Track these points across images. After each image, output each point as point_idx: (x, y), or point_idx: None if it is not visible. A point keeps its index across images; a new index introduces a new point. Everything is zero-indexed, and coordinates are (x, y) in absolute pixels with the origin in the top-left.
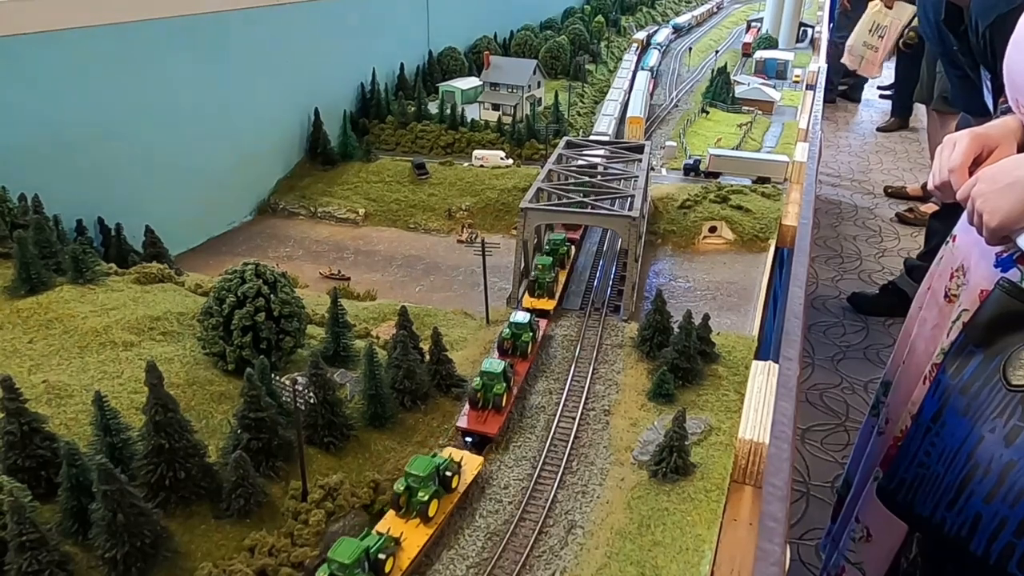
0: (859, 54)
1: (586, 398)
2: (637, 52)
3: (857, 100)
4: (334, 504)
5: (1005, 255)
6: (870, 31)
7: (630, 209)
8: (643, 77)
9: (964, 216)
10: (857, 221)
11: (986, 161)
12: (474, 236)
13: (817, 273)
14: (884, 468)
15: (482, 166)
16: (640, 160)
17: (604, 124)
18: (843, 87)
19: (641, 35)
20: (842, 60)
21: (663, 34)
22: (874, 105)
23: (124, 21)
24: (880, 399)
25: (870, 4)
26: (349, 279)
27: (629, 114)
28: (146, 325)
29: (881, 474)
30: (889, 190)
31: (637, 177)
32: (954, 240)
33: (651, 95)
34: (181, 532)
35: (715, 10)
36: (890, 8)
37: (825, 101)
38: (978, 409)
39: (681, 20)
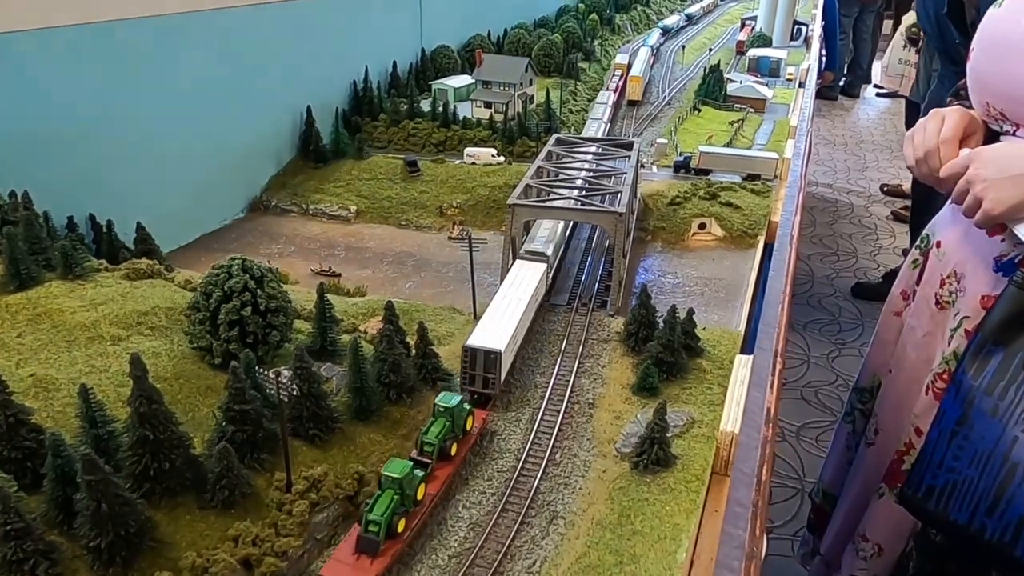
0: (897, 73)
1: (571, 391)
2: (620, 80)
3: (856, 96)
4: (318, 495)
5: (1005, 259)
6: (904, 46)
7: (617, 205)
8: (645, 52)
9: (944, 217)
10: (853, 219)
11: (965, 143)
12: (465, 233)
13: (813, 271)
14: (890, 484)
15: (474, 163)
16: (629, 157)
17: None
18: (841, 83)
19: (623, 59)
20: (879, 81)
21: (673, 19)
22: (871, 102)
23: (116, 19)
24: (855, 406)
25: (904, 18)
26: (340, 275)
27: (631, 74)
28: (134, 320)
29: (887, 490)
30: (885, 188)
31: (626, 174)
32: (938, 245)
33: (651, 67)
34: (166, 522)
35: (719, 2)
36: None
37: (826, 98)
38: (1007, 410)
39: (692, 10)
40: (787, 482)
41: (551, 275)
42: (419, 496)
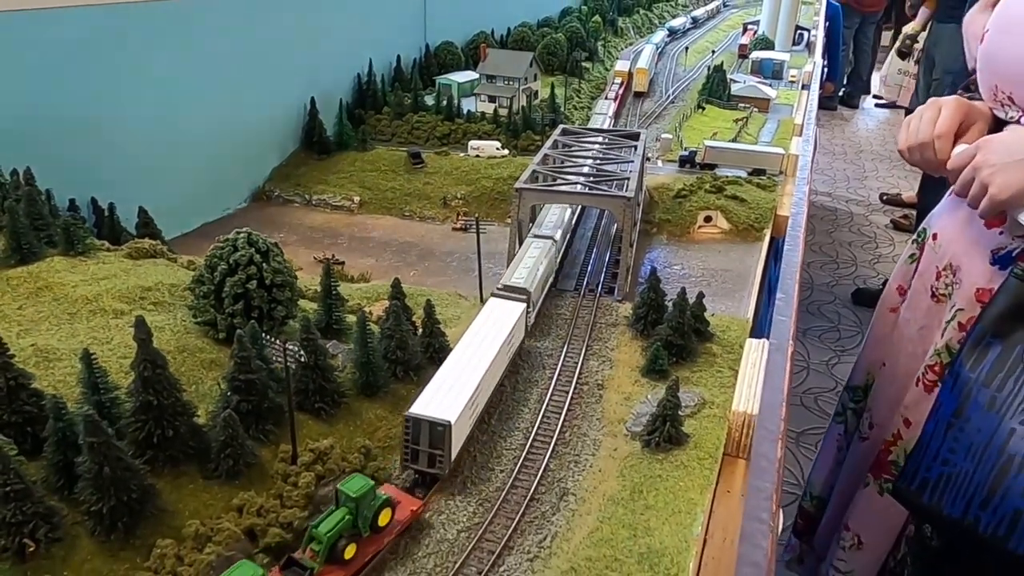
0: (896, 83)
1: (579, 373)
2: (620, 88)
3: (855, 106)
4: (324, 468)
5: (1003, 252)
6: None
7: (625, 191)
8: (650, 49)
9: (941, 210)
10: (852, 228)
11: (965, 134)
12: (469, 225)
13: (813, 278)
14: (875, 474)
15: (478, 156)
16: (636, 147)
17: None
18: (840, 94)
19: (623, 66)
20: (877, 91)
21: (679, 21)
22: (870, 113)
23: (122, 1)
24: (847, 405)
25: (904, 28)
26: (343, 263)
27: (638, 66)
28: (137, 295)
29: (871, 480)
30: (885, 197)
31: (632, 162)
32: (935, 238)
33: (655, 63)
34: (169, 490)
35: (722, 7)
36: (921, 30)
37: (826, 108)
38: (1004, 401)
39: (697, 12)
40: (786, 488)
41: (534, 315)
42: None
